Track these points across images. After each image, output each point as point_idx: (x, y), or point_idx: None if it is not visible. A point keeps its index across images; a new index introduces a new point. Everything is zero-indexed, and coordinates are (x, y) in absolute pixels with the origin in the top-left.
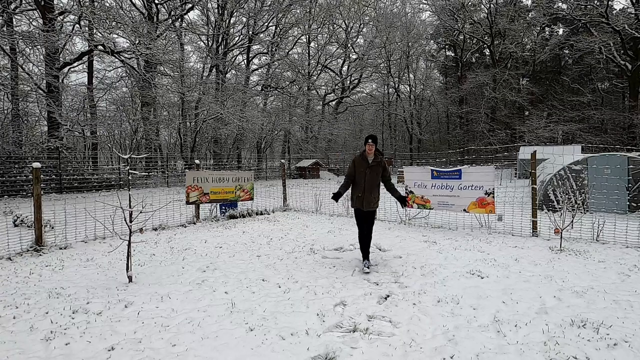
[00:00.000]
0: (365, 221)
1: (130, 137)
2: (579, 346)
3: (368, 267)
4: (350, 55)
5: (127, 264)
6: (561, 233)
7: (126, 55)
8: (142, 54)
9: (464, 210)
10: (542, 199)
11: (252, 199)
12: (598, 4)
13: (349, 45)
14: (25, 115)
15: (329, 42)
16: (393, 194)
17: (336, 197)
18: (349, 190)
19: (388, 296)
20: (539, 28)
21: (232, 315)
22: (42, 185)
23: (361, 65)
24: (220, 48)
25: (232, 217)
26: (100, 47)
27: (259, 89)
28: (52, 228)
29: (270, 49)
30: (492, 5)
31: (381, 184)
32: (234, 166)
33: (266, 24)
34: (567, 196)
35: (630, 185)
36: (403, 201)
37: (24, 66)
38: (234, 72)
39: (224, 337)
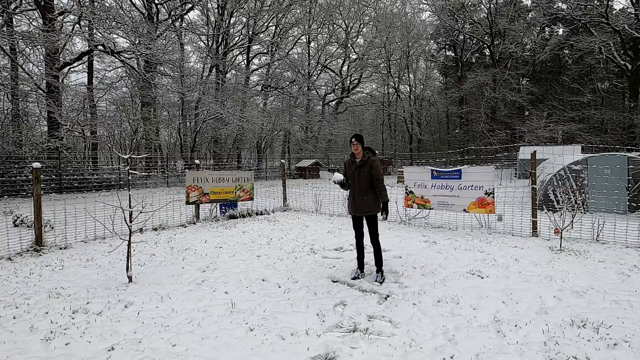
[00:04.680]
0: (362, 227)
1: (130, 137)
2: (579, 346)
3: (380, 281)
4: (350, 55)
5: (127, 264)
6: (561, 233)
7: (126, 55)
8: (142, 54)
9: (464, 210)
10: (542, 199)
11: (252, 199)
12: (598, 4)
13: (349, 45)
14: (25, 115)
15: (329, 42)
16: (379, 198)
17: (340, 183)
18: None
19: (388, 296)
20: (539, 28)
21: (232, 315)
22: (42, 185)
23: (361, 65)
24: (220, 48)
25: (232, 217)
26: (100, 47)
27: (259, 89)
28: (52, 228)
29: (270, 49)
30: (492, 5)
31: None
32: (234, 166)
33: (266, 24)
34: (567, 196)
35: (630, 185)
36: (384, 209)
37: (24, 66)
38: (234, 72)
39: (224, 337)
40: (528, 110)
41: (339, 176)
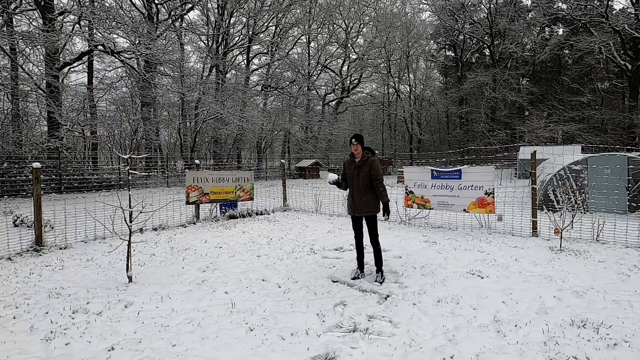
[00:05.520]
0: (361, 227)
1: (130, 137)
2: (579, 346)
3: (380, 281)
4: (350, 55)
5: (127, 264)
6: (561, 233)
7: (126, 55)
8: (142, 54)
9: (464, 210)
10: (542, 199)
11: (252, 199)
12: (598, 4)
13: (349, 45)
14: (25, 115)
15: (329, 42)
16: (379, 198)
17: (336, 183)
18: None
19: (388, 296)
20: (539, 28)
21: (232, 315)
22: (42, 185)
23: (361, 65)
24: (220, 48)
25: (232, 217)
26: (100, 47)
27: (259, 89)
28: (52, 228)
29: (270, 49)
30: (492, 5)
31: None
32: (234, 166)
33: (266, 24)
34: (567, 196)
35: (630, 185)
36: (386, 209)
37: (24, 66)
38: (234, 72)
39: (224, 337)
40: (528, 110)
41: (332, 176)
